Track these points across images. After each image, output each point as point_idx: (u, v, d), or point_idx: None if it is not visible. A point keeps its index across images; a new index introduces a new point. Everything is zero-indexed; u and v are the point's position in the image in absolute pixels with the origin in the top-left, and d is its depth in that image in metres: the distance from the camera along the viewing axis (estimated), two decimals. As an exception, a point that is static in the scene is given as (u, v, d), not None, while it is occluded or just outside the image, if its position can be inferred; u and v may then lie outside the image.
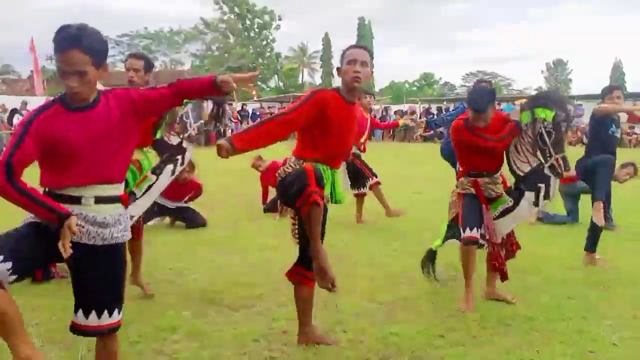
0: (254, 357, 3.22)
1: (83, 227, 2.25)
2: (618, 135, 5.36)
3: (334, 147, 3.13)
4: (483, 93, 4.09)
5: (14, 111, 17.64)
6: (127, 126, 2.33)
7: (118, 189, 2.36)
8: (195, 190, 7.13)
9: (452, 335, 3.53)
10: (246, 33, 47.12)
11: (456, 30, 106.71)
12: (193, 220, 6.90)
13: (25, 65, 42.65)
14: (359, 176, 6.92)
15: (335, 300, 4.03)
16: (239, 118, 24.95)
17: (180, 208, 6.98)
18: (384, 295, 4.29)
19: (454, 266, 4.83)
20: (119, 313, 2.41)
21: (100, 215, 2.29)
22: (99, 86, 2.37)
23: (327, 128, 3.04)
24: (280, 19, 48.16)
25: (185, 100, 4.04)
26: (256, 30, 47.86)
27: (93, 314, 2.33)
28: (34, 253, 2.25)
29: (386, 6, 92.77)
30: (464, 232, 4.03)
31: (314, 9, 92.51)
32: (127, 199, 2.43)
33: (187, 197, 7.06)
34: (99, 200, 2.28)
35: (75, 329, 2.39)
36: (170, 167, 3.98)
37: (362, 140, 6.91)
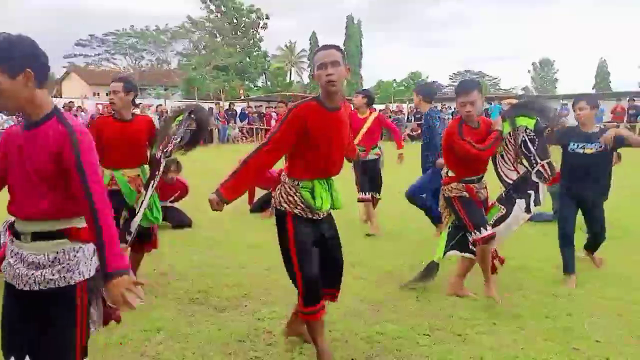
0: (238, 358, 3.20)
1: (17, 269, 1.96)
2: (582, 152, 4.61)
3: (325, 159, 2.97)
4: (468, 80, 4.28)
5: (-4, 110, 17.38)
6: (52, 166, 1.92)
7: (60, 224, 1.98)
8: (182, 190, 7.09)
9: (438, 334, 3.53)
10: (233, 32, 46.91)
11: (444, 29, 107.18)
12: (178, 221, 6.86)
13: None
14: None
15: (321, 299, 4.02)
16: (226, 117, 24.83)
17: (166, 208, 6.92)
18: (371, 294, 4.28)
19: (442, 265, 4.84)
20: None
21: (33, 254, 1.96)
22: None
23: (313, 142, 2.89)
24: (267, 18, 48.02)
25: (178, 118, 4.11)
26: (243, 29, 47.67)
27: None
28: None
29: (374, 5, 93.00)
30: (479, 233, 3.98)
31: (301, 8, 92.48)
32: (77, 232, 2.00)
33: (173, 197, 7.02)
34: (36, 236, 1.97)
35: None
36: (152, 182, 4.07)
37: (355, 141, 6.77)
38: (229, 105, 26.61)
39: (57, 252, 1.96)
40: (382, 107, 29.41)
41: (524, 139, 4.00)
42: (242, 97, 34.46)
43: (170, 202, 6.99)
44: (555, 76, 58.97)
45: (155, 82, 43.08)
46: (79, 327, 1.96)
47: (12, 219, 2.06)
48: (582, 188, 4.59)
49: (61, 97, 28.38)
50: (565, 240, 4.64)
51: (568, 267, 4.63)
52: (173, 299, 4.16)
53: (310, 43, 53.89)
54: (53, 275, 1.94)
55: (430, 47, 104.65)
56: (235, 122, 25.17)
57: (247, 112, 26.41)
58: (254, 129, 25.30)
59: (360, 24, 52.30)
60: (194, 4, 64.83)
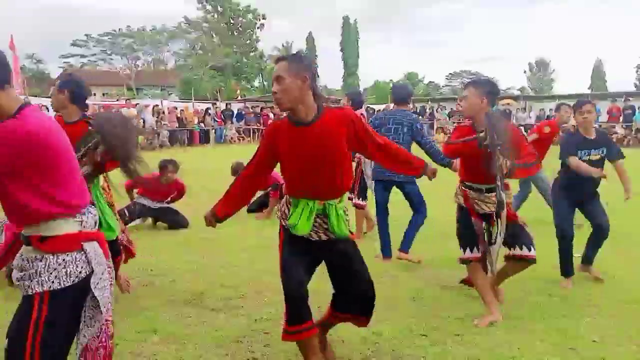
0: (235, 359, 3.19)
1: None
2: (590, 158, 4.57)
3: (302, 178, 2.76)
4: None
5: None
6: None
7: (28, 231, 1.95)
8: (179, 190, 7.08)
9: (434, 334, 3.53)
10: (230, 32, 46.92)
11: (440, 30, 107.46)
12: (175, 221, 6.85)
13: (5, 64, 41.88)
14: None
15: (317, 300, 4.01)
16: (223, 118, 24.83)
17: (163, 209, 6.93)
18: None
19: (439, 265, 4.86)
20: None
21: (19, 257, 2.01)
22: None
23: (285, 158, 2.79)
24: (264, 18, 48.05)
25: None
26: (240, 29, 47.69)
27: None
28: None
29: (371, 5, 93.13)
30: (461, 251, 3.89)
31: (298, 8, 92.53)
32: (40, 242, 1.93)
33: (170, 198, 7.01)
34: (24, 239, 1.98)
35: None
36: None
37: None
38: (226, 106, 26.62)
39: (23, 260, 1.94)
40: (382, 107, 29.45)
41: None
42: (239, 98, 34.45)
43: (167, 202, 6.99)
44: (552, 76, 59.05)
45: (152, 83, 43.05)
46: (29, 342, 1.82)
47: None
48: (583, 193, 4.54)
49: (57, 97, 28.31)
50: (564, 242, 4.58)
51: (567, 271, 4.60)
52: (169, 300, 4.16)
53: (307, 43, 53.92)
54: (17, 280, 1.94)
55: (427, 47, 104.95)
56: (232, 123, 25.15)
57: (243, 112, 26.41)
58: (251, 130, 25.30)
59: (357, 24, 52.31)
60: (191, 4, 64.75)
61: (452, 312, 3.92)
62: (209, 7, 46.51)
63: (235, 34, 47.49)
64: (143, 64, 44.39)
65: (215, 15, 46.67)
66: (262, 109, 27.08)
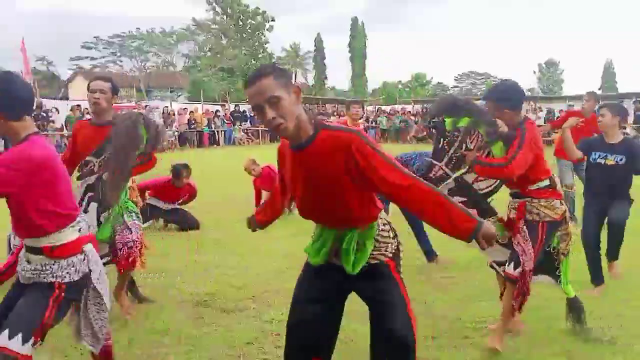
0: (246, 360, 3.23)
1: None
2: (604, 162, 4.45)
3: (310, 205, 2.30)
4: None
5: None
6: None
7: (38, 242, 2.33)
8: (190, 193, 7.14)
9: (443, 337, 3.55)
10: (239, 34, 47.05)
11: (448, 30, 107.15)
12: (186, 222, 6.90)
13: (12, 67, 42.35)
14: None
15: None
16: (232, 119, 24.92)
17: (174, 210, 6.99)
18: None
19: (448, 268, 4.86)
20: (19, 342, 2.20)
21: (28, 262, 2.39)
22: None
23: (288, 183, 2.41)
24: (273, 20, 48.15)
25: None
26: (249, 31, 47.82)
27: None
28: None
29: (379, 6, 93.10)
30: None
31: (306, 9, 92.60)
32: (52, 250, 2.33)
33: (181, 200, 7.07)
34: (27, 249, 2.39)
35: None
36: None
37: None
38: (235, 107, 26.70)
39: (37, 264, 2.35)
40: (389, 107, 29.45)
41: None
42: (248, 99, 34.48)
43: (179, 204, 7.04)
44: (561, 77, 58.68)
45: (161, 84, 43.27)
46: (49, 310, 2.31)
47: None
48: (604, 202, 4.42)
49: (68, 99, 28.59)
50: (587, 250, 4.48)
51: (595, 277, 4.49)
52: (180, 301, 4.20)
53: (315, 44, 53.93)
54: (32, 274, 2.36)
55: (436, 48, 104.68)
56: (240, 125, 25.22)
57: (252, 114, 26.47)
58: (259, 131, 25.37)
59: (364, 25, 52.25)
60: (200, 6, 64.96)
61: (460, 315, 3.93)
62: (218, 9, 46.68)
63: (244, 35, 47.58)
64: (152, 66, 44.59)
65: (224, 17, 46.82)
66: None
